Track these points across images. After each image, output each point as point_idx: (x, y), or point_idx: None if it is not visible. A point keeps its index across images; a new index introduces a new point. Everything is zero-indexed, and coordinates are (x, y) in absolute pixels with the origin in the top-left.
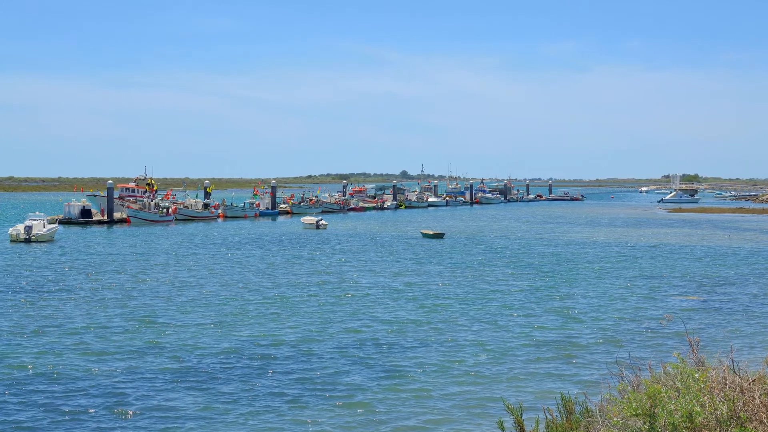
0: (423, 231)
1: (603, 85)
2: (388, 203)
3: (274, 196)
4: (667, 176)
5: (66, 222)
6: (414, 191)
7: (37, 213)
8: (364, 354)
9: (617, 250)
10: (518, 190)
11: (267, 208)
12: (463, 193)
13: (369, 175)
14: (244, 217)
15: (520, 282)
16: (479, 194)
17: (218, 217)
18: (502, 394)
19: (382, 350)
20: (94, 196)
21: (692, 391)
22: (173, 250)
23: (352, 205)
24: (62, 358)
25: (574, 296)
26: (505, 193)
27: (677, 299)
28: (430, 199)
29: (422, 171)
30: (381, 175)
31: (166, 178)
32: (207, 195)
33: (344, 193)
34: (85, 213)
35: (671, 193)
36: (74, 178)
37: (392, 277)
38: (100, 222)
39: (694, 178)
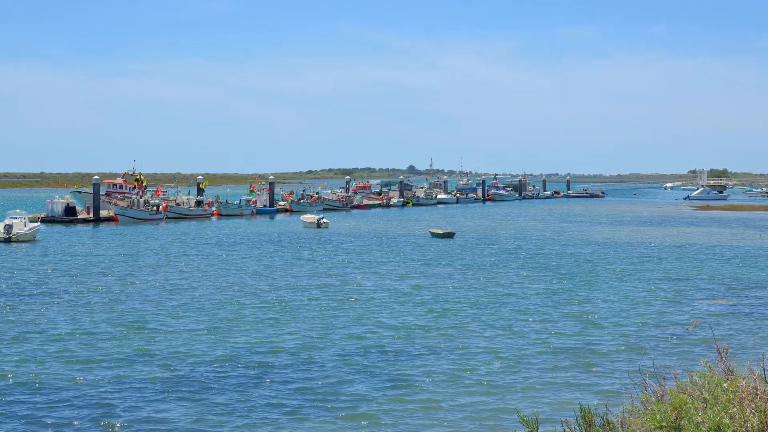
0: (432, 230)
1: (624, 74)
2: (394, 200)
3: (272, 193)
4: (694, 171)
5: (49, 220)
6: (422, 187)
7: (17, 210)
8: (369, 362)
9: (640, 250)
10: (534, 186)
11: (264, 206)
12: (474, 190)
13: (374, 171)
14: (240, 215)
15: (535, 285)
16: (492, 191)
17: (212, 215)
18: (517, 405)
19: (388, 358)
20: (79, 192)
21: (721, 402)
22: (164, 251)
23: (355, 203)
24: (45, 366)
25: (593, 300)
26: (519, 189)
27: (704, 303)
28: (439, 196)
29: (431, 166)
30: (387, 170)
31: (156, 174)
32: (200, 191)
33: (347, 190)
34: (70, 211)
35: (698, 189)
36: (58, 174)
37: (399, 280)
38: (85, 220)
39: (722, 174)
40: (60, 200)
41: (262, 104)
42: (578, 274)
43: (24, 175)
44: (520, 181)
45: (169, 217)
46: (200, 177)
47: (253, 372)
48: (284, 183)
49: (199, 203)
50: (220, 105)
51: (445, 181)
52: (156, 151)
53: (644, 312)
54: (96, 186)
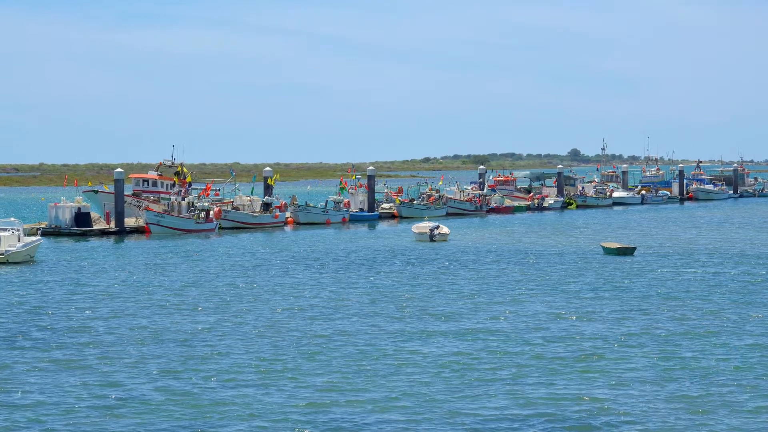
0: (604, 244)
1: None
2: (550, 200)
3: (371, 191)
4: None
5: (52, 232)
6: (591, 181)
7: (11, 219)
8: None
9: None
10: (757, 179)
11: (361, 209)
12: (668, 184)
13: (520, 157)
14: (326, 224)
15: (751, 327)
16: (693, 185)
17: (285, 223)
18: None
19: None
20: (95, 192)
21: None
22: (223, 278)
23: (493, 204)
24: None
25: None
26: (734, 183)
27: None
28: (616, 194)
29: (603, 150)
30: (537, 156)
31: (204, 164)
32: (268, 189)
33: (482, 185)
34: (81, 218)
35: None
36: (63, 166)
37: (549, 320)
38: (104, 232)
39: None
40: (68, 203)
41: (350, 60)
42: None
43: (16, 168)
44: (735, 171)
45: (223, 227)
46: (268, 168)
47: None
48: (389, 176)
49: (266, 206)
50: (292, 61)
51: (624, 172)
52: (203, 134)
53: None
54: (119, 183)
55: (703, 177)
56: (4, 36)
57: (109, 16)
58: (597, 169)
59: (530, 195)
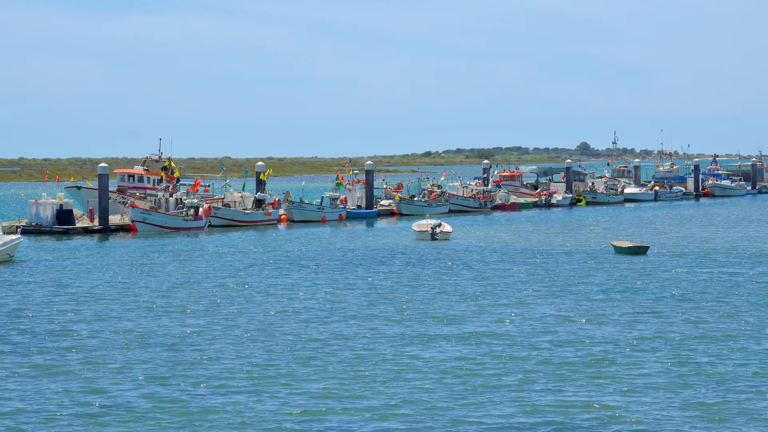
0: (615, 243)
1: None
2: (558, 197)
3: (369, 187)
4: None
5: (33, 230)
6: (602, 177)
7: None
8: None
9: None
10: None
11: (359, 206)
12: (682, 180)
13: (526, 151)
14: (322, 221)
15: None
16: (710, 181)
17: (279, 220)
18: None
19: None
20: (78, 188)
21: None
22: (214, 279)
23: (498, 201)
24: None
25: None
26: (753, 178)
27: None
28: (627, 190)
29: (614, 143)
30: (545, 150)
31: (193, 159)
32: (261, 185)
33: (486, 181)
34: (64, 216)
35: None
36: (45, 160)
37: (557, 323)
38: (87, 230)
39: None
40: (49, 200)
41: (347, 49)
42: None
43: None
44: (754, 166)
45: (213, 225)
46: (260, 163)
47: None
48: (389, 172)
49: (259, 203)
50: (289, 50)
51: (636, 167)
52: (191, 127)
53: None
54: (103, 178)
55: (719, 172)
56: None
57: (93, 2)
58: (608, 164)
59: (537, 191)
